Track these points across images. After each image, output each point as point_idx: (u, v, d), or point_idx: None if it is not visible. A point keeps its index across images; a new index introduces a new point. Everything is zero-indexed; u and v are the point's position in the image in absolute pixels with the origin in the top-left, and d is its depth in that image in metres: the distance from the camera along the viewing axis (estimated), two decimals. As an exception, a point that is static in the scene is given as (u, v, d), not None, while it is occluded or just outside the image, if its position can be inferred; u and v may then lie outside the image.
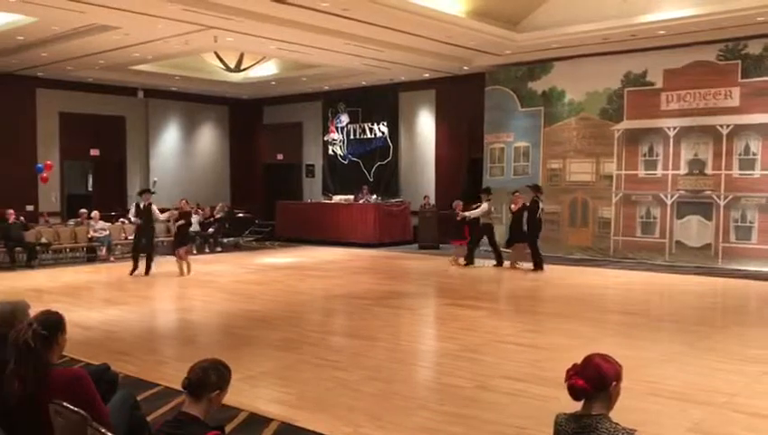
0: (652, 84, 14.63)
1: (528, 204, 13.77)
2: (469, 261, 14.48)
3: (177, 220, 13.86)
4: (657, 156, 14.67)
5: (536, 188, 13.97)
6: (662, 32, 13.22)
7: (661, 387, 5.83)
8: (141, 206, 13.36)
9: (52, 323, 3.45)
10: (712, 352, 7.15)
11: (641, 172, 14.89)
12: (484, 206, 14.26)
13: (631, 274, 13.29)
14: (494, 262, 14.32)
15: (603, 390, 2.74)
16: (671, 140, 14.42)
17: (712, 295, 11.40)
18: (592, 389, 2.72)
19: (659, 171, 14.62)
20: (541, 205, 13.71)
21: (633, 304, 10.55)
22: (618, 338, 7.94)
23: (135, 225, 13.99)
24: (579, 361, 2.87)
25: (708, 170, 14.02)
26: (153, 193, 13.92)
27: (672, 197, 14.40)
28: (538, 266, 13.60)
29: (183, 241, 13.62)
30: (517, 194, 14.31)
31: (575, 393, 2.76)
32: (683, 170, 14.31)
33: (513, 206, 14.27)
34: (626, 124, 15.05)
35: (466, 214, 14.39)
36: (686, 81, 14.17)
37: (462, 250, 14.69)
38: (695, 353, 7.09)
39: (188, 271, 13.18)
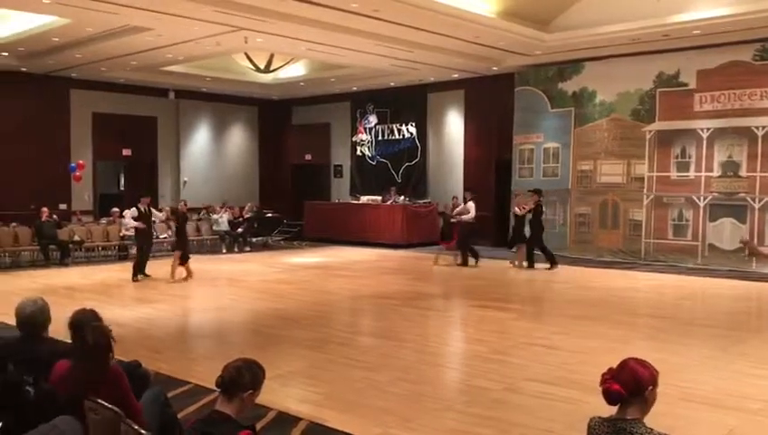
0: (685, 85, 14.41)
1: (534, 207, 14.18)
2: (464, 262, 14.74)
3: (168, 220, 13.72)
4: (689, 157, 14.45)
5: (538, 193, 14.42)
6: (696, 31, 13.01)
7: (694, 392, 5.75)
8: (143, 209, 12.96)
9: (106, 328, 3.65)
10: (745, 357, 7.02)
11: (673, 174, 14.67)
12: (472, 206, 14.65)
13: (663, 277, 13.12)
14: (471, 260, 14.71)
15: (639, 394, 2.71)
16: (704, 142, 14.20)
17: (745, 299, 11.20)
18: (628, 393, 2.69)
19: (692, 173, 14.40)
20: (542, 208, 14.42)
21: (665, 307, 10.40)
22: (649, 342, 7.84)
23: (134, 228, 13.35)
24: (609, 364, 2.85)
25: (743, 172, 13.77)
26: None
27: (705, 199, 14.17)
28: (553, 263, 14.06)
29: (178, 244, 12.84)
30: (520, 197, 15.05)
31: (610, 398, 2.74)
32: (716, 172, 14.07)
33: (517, 208, 14.61)
34: (658, 125, 14.85)
35: (463, 217, 14.63)
36: (721, 81, 13.93)
37: (446, 249, 15.12)
38: (728, 358, 6.97)
39: (172, 276, 12.43)
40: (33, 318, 4.07)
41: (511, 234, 15.38)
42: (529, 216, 14.33)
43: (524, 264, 14.28)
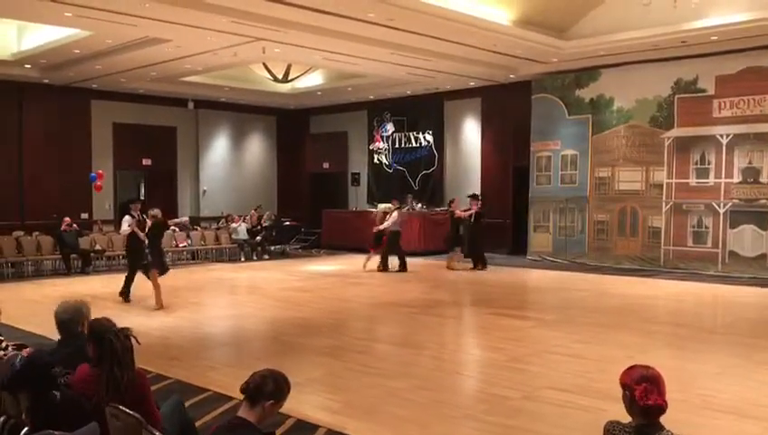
0: (704, 91, 14.32)
1: (477, 211, 15.22)
2: (384, 267, 15.11)
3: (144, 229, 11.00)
4: (709, 164, 14.34)
5: (475, 197, 15.61)
6: (714, 37, 12.93)
7: (715, 401, 5.70)
8: (137, 216, 11.25)
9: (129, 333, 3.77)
10: (767, 365, 6.94)
11: (693, 181, 14.57)
12: (395, 215, 15.12)
13: (682, 284, 13.00)
14: (398, 267, 15.03)
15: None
16: (724, 148, 14.08)
17: (767, 307, 11.07)
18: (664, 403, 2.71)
19: (712, 180, 14.28)
20: (484, 213, 15.59)
21: (685, 315, 10.31)
22: (669, 350, 7.78)
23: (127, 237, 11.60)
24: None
25: (763, 179, 13.64)
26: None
27: (725, 206, 14.05)
28: (482, 266, 15.24)
29: (153, 261, 10.76)
30: (457, 201, 16.06)
31: (660, 413, 2.71)
32: (736, 179, 13.96)
33: (459, 211, 15.41)
34: (676, 132, 14.75)
35: (382, 226, 15.12)
36: (740, 87, 13.82)
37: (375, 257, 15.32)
38: (750, 367, 6.89)
39: (157, 302, 10.44)
40: (65, 322, 4.17)
41: (450, 237, 16.05)
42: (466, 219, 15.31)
43: (457, 265, 15.31)
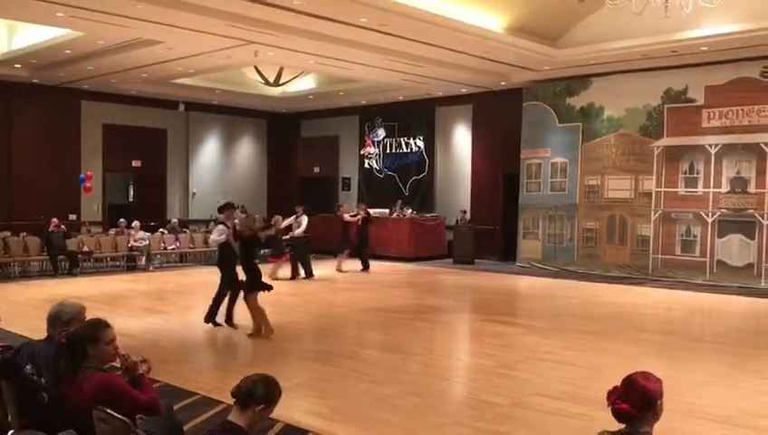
0: (693, 101, 14.42)
1: (365, 217, 16.13)
2: (295, 274, 14.85)
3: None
4: (697, 173, 14.43)
5: (365, 204, 16.69)
6: (704, 48, 13.03)
7: (703, 409, 5.72)
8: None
9: (82, 335, 3.59)
10: (756, 374, 6.99)
11: (681, 190, 14.66)
12: (305, 220, 14.74)
13: (671, 293, 13.06)
14: (304, 274, 14.71)
15: (650, 410, 2.72)
16: (712, 158, 14.18)
17: (755, 316, 11.14)
18: (638, 411, 2.70)
19: (700, 189, 14.38)
20: (370, 218, 16.42)
21: (673, 323, 10.36)
22: (658, 358, 7.81)
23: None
24: (617, 380, 2.85)
25: (751, 189, 13.74)
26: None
27: (713, 215, 14.14)
28: (366, 268, 15.96)
29: (249, 277, 8.97)
30: (345, 206, 16.77)
31: (620, 417, 2.74)
32: (725, 188, 14.05)
33: (347, 215, 16.21)
34: (666, 141, 14.84)
35: (295, 232, 14.55)
36: (729, 98, 13.93)
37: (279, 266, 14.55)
38: (738, 376, 6.93)
39: (266, 330, 8.70)
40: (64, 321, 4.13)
41: (339, 240, 16.52)
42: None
43: (342, 268, 15.70)
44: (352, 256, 16.19)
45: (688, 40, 12.71)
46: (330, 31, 12.38)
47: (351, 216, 16.27)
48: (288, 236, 14.63)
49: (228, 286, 9.35)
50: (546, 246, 16.73)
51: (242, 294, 9.02)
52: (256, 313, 8.64)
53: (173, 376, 6.56)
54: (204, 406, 5.61)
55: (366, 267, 16.05)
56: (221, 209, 10.15)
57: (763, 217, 13.52)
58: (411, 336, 8.97)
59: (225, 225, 9.48)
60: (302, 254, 14.85)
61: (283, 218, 14.62)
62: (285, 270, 14.60)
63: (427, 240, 18.51)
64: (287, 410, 5.46)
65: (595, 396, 5.71)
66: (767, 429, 5.32)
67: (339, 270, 15.86)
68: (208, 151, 21.60)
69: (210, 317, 9.29)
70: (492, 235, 18.14)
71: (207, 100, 20.20)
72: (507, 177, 17.88)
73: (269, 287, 8.80)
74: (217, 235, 9.49)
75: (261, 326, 8.58)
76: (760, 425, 5.39)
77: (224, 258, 9.53)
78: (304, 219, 14.74)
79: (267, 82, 17.97)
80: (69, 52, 14.67)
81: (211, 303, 9.35)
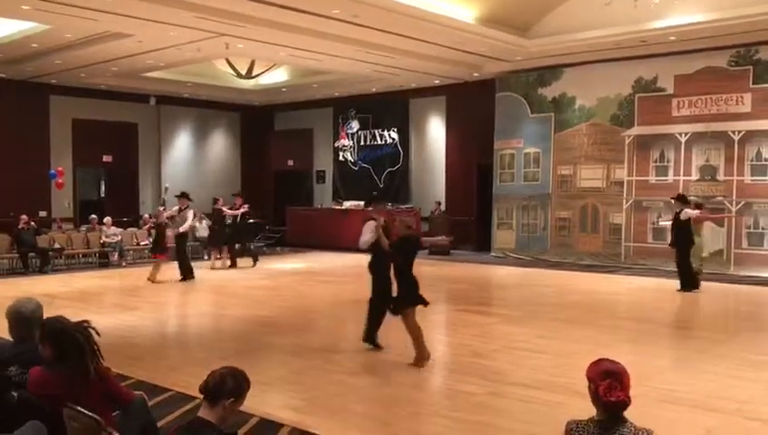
0: (663, 90, 14.59)
1: (245, 210, 15.62)
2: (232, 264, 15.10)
3: None
4: (668, 162, 14.62)
5: (239, 197, 16.01)
6: (673, 38, 13.19)
7: (673, 394, 5.81)
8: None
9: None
10: (724, 358, 7.11)
11: (652, 178, 14.84)
12: (190, 214, 13.78)
13: (643, 280, 13.23)
14: (180, 277, 13.28)
15: None
16: (682, 146, 14.37)
17: (724, 302, 11.34)
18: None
19: (671, 177, 14.57)
20: (250, 212, 16.05)
21: (645, 310, 10.50)
22: (630, 345, 7.92)
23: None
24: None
25: (720, 176, 13.96)
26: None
27: (684, 203, 14.32)
28: (233, 265, 15.35)
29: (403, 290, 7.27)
30: (220, 201, 16.08)
31: (623, 409, 2.74)
32: (694, 176, 14.26)
33: (226, 209, 15.64)
34: (637, 130, 15.01)
35: (180, 229, 13.40)
36: (698, 86, 14.12)
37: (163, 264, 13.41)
38: (707, 360, 7.05)
39: (426, 358, 7.02)
40: (29, 319, 4.06)
41: (210, 237, 16.36)
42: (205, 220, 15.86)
43: (228, 263, 15.32)
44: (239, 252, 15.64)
45: (657, 30, 12.87)
46: (301, 22, 12.31)
47: (229, 209, 15.58)
48: (177, 233, 13.34)
49: (382, 301, 7.52)
50: (520, 235, 16.86)
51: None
52: (417, 333, 6.91)
53: (147, 373, 6.51)
54: (179, 402, 5.58)
55: (233, 265, 15.30)
56: (374, 201, 8.30)
57: (731, 204, 13.75)
58: (386, 328, 8.95)
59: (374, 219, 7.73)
60: (180, 251, 13.48)
61: (165, 210, 13.61)
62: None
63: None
64: (262, 403, 5.45)
65: (570, 384, 5.79)
66: (734, 411, 5.42)
67: (213, 268, 15.09)
68: (181, 145, 21.39)
69: (369, 336, 7.65)
70: (467, 225, 18.22)
71: (179, 93, 20.00)
72: (481, 167, 17.96)
73: (426, 302, 7.01)
74: (370, 235, 7.57)
75: (424, 352, 6.91)
76: (728, 408, 5.49)
77: (377, 264, 7.69)
78: (190, 214, 13.69)
79: (239, 75, 17.83)
80: (36, 46, 14.42)
81: (366, 322, 7.67)
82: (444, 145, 19.16)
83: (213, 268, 15.11)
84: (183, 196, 13.82)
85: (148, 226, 15.47)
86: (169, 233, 13.63)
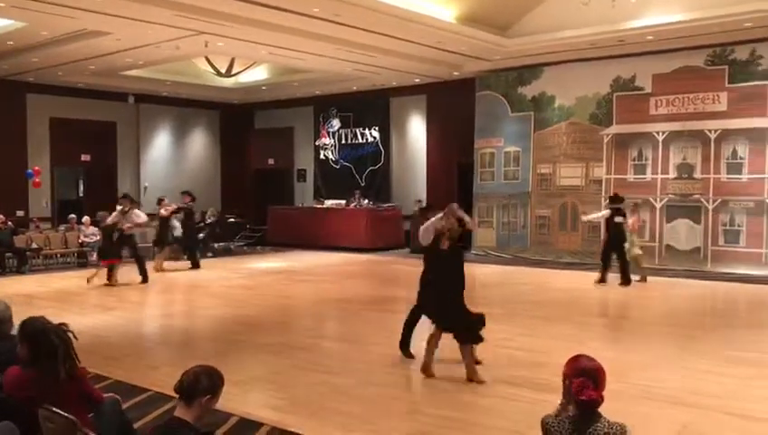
0: (641, 89, 14.73)
1: (184, 208, 15.12)
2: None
3: None
4: (646, 160, 14.76)
5: (188, 194, 15.47)
6: (650, 37, 13.32)
7: (650, 390, 5.88)
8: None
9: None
10: (701, 354, 7.20)
11: (630, 176, 14.97)
12: (138, 213, 13.34)
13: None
14: (140, 278, 12.86)
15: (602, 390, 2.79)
16: (660, 145, 14.52)
17: (701, 299, 11.47)
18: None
19: (649, 175, 14.71)
20: (193, 210, 15.58)
21: (624, 307, 10.60)
22: (609, 341, 8.00)
23: None
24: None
25: (697, 174, 14.12)
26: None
27: (661, 200, 14.49)
28: (195, 266, 14.93)
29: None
30: (166, 200, 15.30)
31: (594, 407, 2.77)
32: (672, 174, 14.41)
33: (162, 211, 14.96)
34: (615, 129, 15.13)
35: (132, 231, 13.06)
36: (675, 85, 14.27)
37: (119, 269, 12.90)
38: (684, 356, 7.13)
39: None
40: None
41: (155, 237, 15.57)
42: (180, 216, 15.21)
43: (162, 264, 14.52)
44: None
45: (634, 29, 12.99)
46: (282, 21, 12.27)
47: (167, 209, 14.89)
48: (120, 234, 12.81)
49: (423, 307, 6.89)
50: (500, 233, 16.94)
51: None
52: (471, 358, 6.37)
53: (126, 373, 6.47)
54: (158, 402, 5.55)
55: (193, 264, 14.91)
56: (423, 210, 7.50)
57: (708, 202, 13.91)
58: (367, 326, 8.99)
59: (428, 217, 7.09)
60: (137, 252, 13.13)
61: (109, 214, 13.10)
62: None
63: (385, 231, 18.55)
64: (242, 403, 5.44)
65: (550, 380, 5.83)
66: (710, 406, 5.49)
67: (158, 269, 14.18)
68: (160, 144, 21.23)
69: (404, 345, 7.15)
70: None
71: (158, 91, 19.84)
72: (462, 166, 18.01)
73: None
74: (426, 235, 6.86)
75: (474, 365, 6.32)
76: (704, 403, 5.56)
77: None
78: (137, 212, 13.20)
79: (219, 73, 17.73)
80: (11, 43, 14.23)
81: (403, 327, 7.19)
82: (425, 144, 19.19)
83: (157, 270, 14.08)
84: (125, 197, 13.53)
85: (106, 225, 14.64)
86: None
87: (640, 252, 12.72)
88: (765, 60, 13.31)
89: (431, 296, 6.66)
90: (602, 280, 12.42)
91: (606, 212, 12.79)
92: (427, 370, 6.41)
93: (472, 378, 6.19)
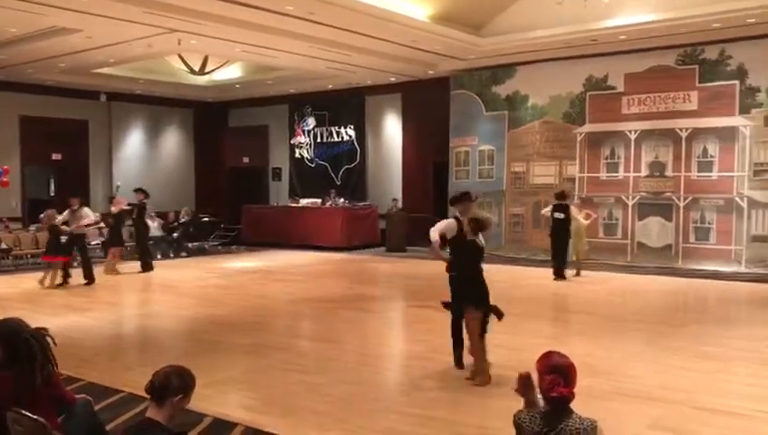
0: (613, 88, 14.89)
1: (138, 206, 14.60)
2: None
3: None
4: (618, 158, 14.93)
5: (141, 191, 14.84)
6: (622, 37, 13.48)
7: (622, 385, 5.96)
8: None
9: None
10: (671, 350, 7.31)
11: (603, 175, 15.14)
12: (87, 211, 13.18)
13: (594, 274, 13.46)
14: (85, 280, 12.71)
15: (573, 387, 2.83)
16: (632, 143, 14.69)
17: (672, 295, 11.63)
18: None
19: (621, 174, 14.88)
20: (147, 208, 15.01)
21: (596, 304, 10.71)
22: (581, 337, 8.08)
23: None
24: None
25: (668, 172, 14.32)
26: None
27: (633, 198, 14.67)
28: (148, 267, 14.35)
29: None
30: (118, 198, 14.91)
31: (565, 404, 2.80)
32: (644, 173, 14.59)
33: (113, 208, 14.59)
34: (588, 127, 15.29)
35: (69, 228, 12.62)
36: (647, 85, 14.45)
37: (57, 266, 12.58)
38: (655, 352, 7.24)
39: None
40: None
41: (107, 236, 15.32)
42: (128, 213, 14.72)
43: (116, 267, 14.04)
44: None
45: (607, 29, 13.13)
46: (255, 19, 12.21)
47: (119, 206, 14.53)
48: (71, 231, 12.55)
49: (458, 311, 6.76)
50: (476, 232, 16.96)
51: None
52: (481, 345, 6.33)
53: (98, 374, 6.40)
54: (130, 403, 5.50)
55: (144, 266, 14.43)
56: (455, 201, 7.26)
57: (679, 200, 14.11)
58: (342, 325, 8.99)
59: (457, 219, 6.96)
60: (85, 253, 13.02)
61: (59, 212, 12.85)
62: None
63: (360, 229, 18.55)
64: (216, 404, 5.42)
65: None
66: (681, 401, 5.58)
67: (108, 272, 13.82)
68: (133, 143, 21.00)
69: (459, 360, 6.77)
70: (423, 222, 18.24)
71: (130, 89, 19.62)
72: (437, 165, 18.07)
73: (501, 313, 6.59)
74: (434, 235, 6.81)
75: (485, 366, 6.21)
76: (674, 398, 5.65)
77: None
78: (85, 211, 13.03)
79: (192, 71, 17.58)
80: (-21, 40, 14.00)
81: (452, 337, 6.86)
82: (400, 142, 19.22)
83: (107, 272, 13.77)
84: (74, 196, 13.29)
85: (42, 226, 14.29)
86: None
87: (586, 247, 13.17)
88: (734, 60, 13.53)
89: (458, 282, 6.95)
90: (558, 275, 12.77)
91: (548, 208, 13.19)
92: (483, 374, 6.08)
93: (474, 377, 6.12)
